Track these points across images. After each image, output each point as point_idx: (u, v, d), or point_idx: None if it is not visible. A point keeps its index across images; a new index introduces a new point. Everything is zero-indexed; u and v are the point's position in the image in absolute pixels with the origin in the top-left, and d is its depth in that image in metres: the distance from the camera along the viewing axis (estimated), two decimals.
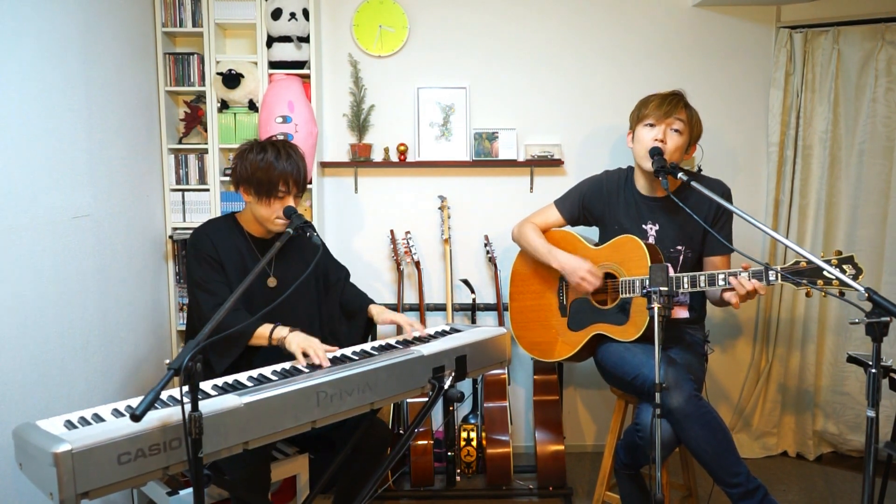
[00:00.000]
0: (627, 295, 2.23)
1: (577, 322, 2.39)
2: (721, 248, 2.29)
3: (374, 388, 1.77)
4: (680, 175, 2.08)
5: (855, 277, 1.80)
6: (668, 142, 2.21)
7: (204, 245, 2.06)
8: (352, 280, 2.37)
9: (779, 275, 1.91)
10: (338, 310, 2.30)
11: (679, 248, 2.30)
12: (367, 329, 2.29)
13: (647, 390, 2.08)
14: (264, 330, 1.95)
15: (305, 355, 1.85)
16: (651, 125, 2.24)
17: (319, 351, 1.85)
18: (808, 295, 1.91)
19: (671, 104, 2.22)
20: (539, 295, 2.54)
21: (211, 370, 1.95)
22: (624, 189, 2.40)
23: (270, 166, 2.00)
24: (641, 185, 2.36)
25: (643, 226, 2.33)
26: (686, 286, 2.08)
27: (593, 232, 2.53)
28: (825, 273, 1.79)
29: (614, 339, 2.26)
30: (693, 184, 2.03)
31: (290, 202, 2.05)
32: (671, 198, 2.14)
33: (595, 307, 2.35)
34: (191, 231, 2.18)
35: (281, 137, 2.11)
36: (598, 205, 2.44)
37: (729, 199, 2.29)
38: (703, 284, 2.05)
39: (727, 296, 2.05)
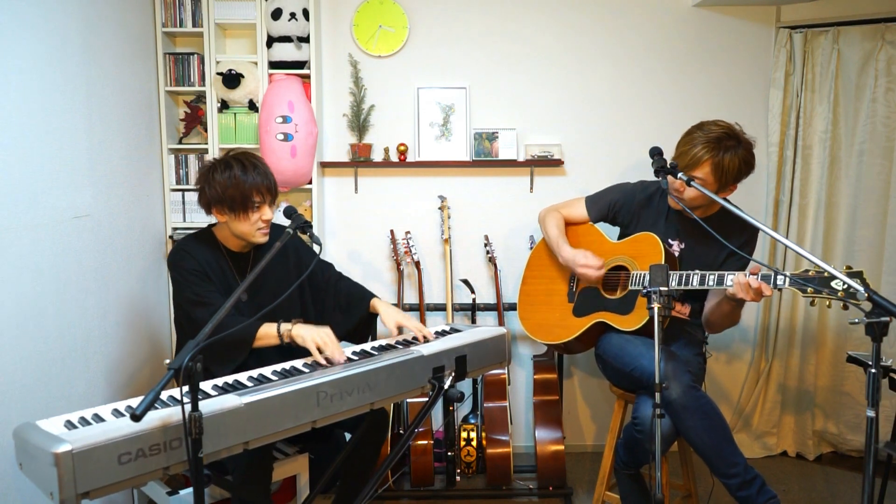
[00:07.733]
0: (637, 287, 2.24)
1: (583, 309, 2.42)
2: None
3: (374, 388, 1.77)
4: (680, 175, 2.05)
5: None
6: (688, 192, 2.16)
7: (187, 262, 2.03)
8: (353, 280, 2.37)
9: (787, 279, 1.86)
10: (332, 307, 2.26)
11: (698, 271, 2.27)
12: (367, 325, 2.26)
13: (646, 382, 2.08)
14: (269, 329, 1.93)
15: (320, 350, 1.84)
16: (693, 178, 2.12)
17: (336, 349, 1.85)
18: (812, 304, 1.84)
19: (729, 176, 2.11)
20: (552, 280, 2.56)
21: (212, 377, 1.92)
22: (657, 203, 2.37)
23: (239, 181, 1.98)
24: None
25: (669, 240, 2.30)
26: (695, 284, 2.06)
27: (613, 231, 2.53)
28: (832, 284, 1.74)
29: (615, 330, 2.27)
30: (698, 186, 2.00)
31: (267, 211, 2.05)
32: (699, 222, 2.03)
33: (602, 296, 2.37)
34: (191, 231, 2.16)
35: (235, 150, 2.10)
36: (626, 214, 2.44)
37: (755, 236, 2.26)
38: (711, 283, 2.03)
39: (730, 290, 1.97)
